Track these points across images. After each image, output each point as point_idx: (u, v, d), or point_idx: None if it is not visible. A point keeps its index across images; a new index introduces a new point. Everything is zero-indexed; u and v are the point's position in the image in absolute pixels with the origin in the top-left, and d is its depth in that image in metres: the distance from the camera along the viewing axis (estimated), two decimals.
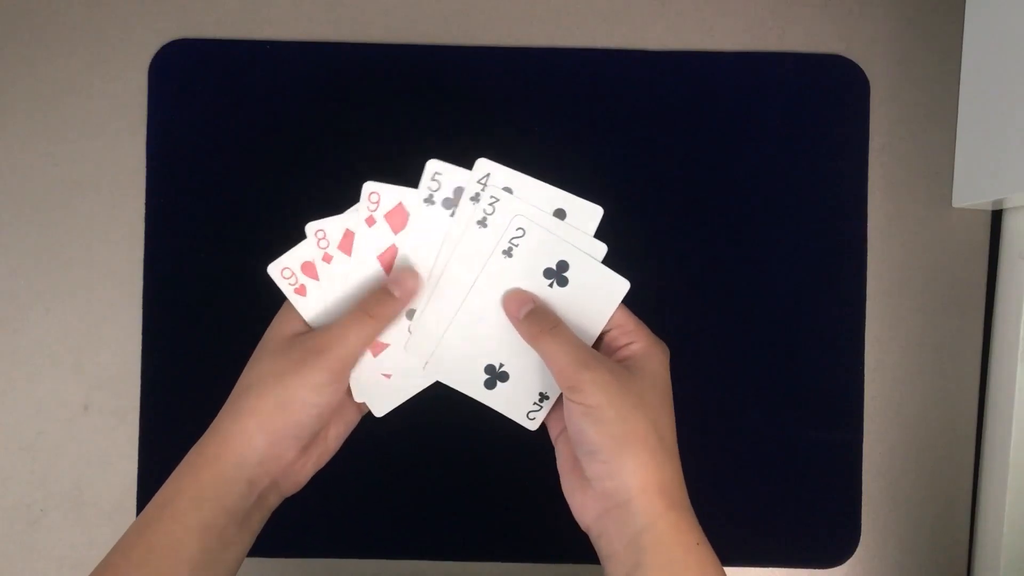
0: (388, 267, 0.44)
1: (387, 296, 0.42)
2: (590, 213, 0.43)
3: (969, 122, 0.54)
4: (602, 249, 0.43)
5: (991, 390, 0.54)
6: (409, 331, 0.44)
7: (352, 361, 0.42)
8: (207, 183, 0.54)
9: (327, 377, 0.41)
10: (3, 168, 0.54)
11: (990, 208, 0.55)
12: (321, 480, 0.52)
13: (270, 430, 0.40)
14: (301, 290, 0.44)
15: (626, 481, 0.38)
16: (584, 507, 0.41)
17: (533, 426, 0.44)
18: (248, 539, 0.42)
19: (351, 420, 0.46)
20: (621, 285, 0.43)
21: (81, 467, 0.54)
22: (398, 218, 0.43)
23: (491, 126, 0.54)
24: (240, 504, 0.40)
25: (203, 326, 0.54)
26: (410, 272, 0.43)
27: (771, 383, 0.54)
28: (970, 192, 0.53)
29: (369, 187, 0.43)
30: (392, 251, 0.44)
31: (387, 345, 0.44)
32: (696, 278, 0.54)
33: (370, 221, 0.43)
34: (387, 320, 0.42)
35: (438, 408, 0.53)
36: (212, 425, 0.42)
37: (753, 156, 0.54)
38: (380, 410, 0.45)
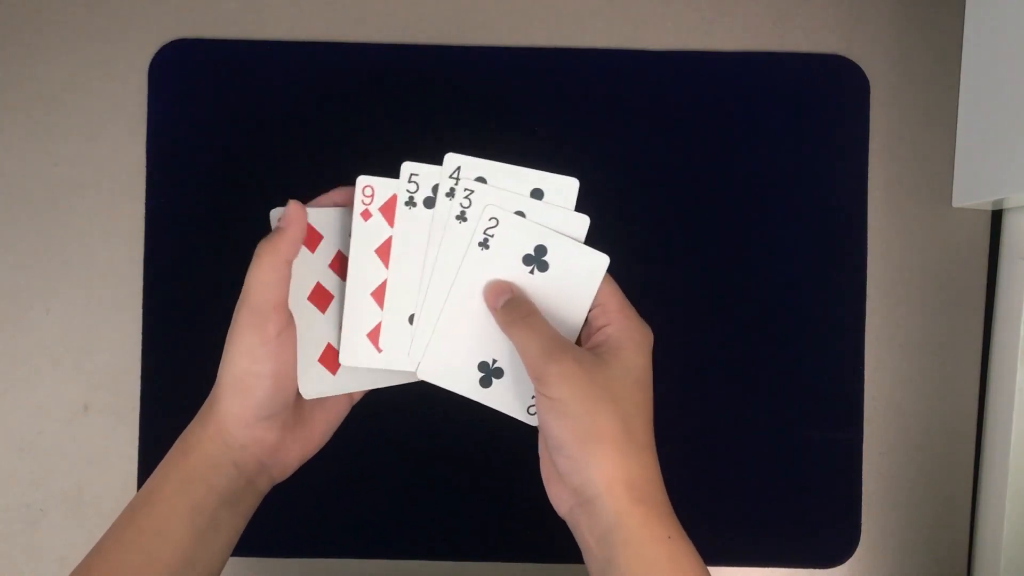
0: (386, 261, 0.44)
1: (274, 231, 0.41)
2: (567, 187, 0.43)
3: (969, 122, 0.54)
4: (584, 221, 0.43)
5: (991, 390, 0.54)
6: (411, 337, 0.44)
7: (268, 310, 0.40)
8: (207, 183, 0.54)
9: (254, 337, 0.40)
10: (3, 168, 0.54)
11: (990, 208, 0.55)
12: (322, 480, 0.52)
13: (237, 414, 0.40)
14: None
15: (592, 477, 0.38)
16: (559, 499, 0.41)
17: (535, 421, 0.43)
18: (240, 523, 0.42)
19: (339, 409, 0.45)
20: (601, 261, 0.42)
21: (81, 467, 0.54)
22: (393, 211, 0.43)
23: (491, 126, 0.54)
24: (229, 487, 0.40)
25: (203, 326, 0.53)
26: (295, 204, 0.41)
27: (771, 383, 0.54)
28: (970, 192, 0.53)
29: (363, 181, 0.43)
30: (389, 244, 0.43)
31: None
32: (695, 279, 0.54)
33: (365, 215, 0.43)
34: (280, 256, 0.40)
35: (437, 408, 0.53)
36: (197, 414, 0.42)
37: (753, 156, 0.54)
38: (307, 391, 0.43)
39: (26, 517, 0.54)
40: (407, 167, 0.43)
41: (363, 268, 0.44)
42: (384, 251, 0.44)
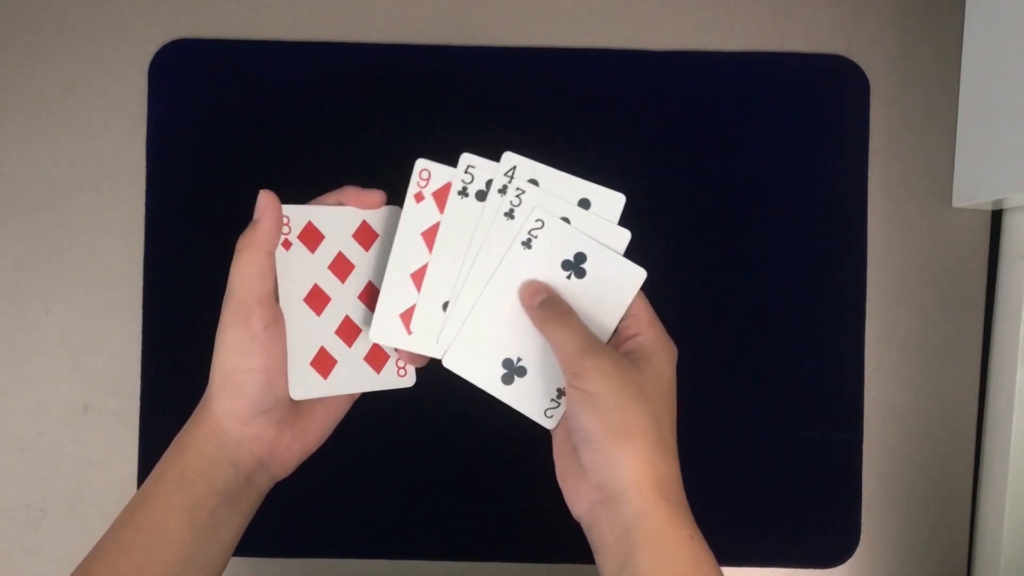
0: (430, 245, 0.44)
1: (250, 224, 0.41)
2: (613, 201, 0.44)
3: (969, 122, 0.54)
4: (626, 236, 0.44)
5: (991, 390, 0.54)
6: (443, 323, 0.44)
7: (252, 303, 0.39)
8: (207, 183, 0.54)
9: (241, 332, 0.40)
10: (3, 168, 0.54)
11: (990, 208, 0.55)
12: (322, 480, 0.52)
13: (230, 411, 0.40)
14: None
15: (620, 473, 0.38)
16: (577, 496, 0.41)
17: (551, 424, 0.43)
18: (241, 522, 0.42)
19: (340, 404, 0.45)
20: (638, 274, 0.43)
21: (81, 467, 0.54)
22: (446, 198, 0.44)
23: (490, 127, 0.54)
24: (228, 484, 0.40)
25: (203, 326, 0.53)
26: (265, 194, 0.41)
27: (771, 383, 0.54)
28: (970, 192, 0.53)
29: (421, 164, 0.43)
30: (435, 229, 0.44)
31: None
32: (696, 279, 0.54)
33: (418, 197, 0.44)
34: (258, 248, 0.40)
35: (438, 407, 0.53)
36: (193, 413, 0.42)
37: (753, 156, 0.54)
38: (296, 392, 0.42)
39: (26, 517, 0.54)
40: (465, 158, 0.43)
41: (407, 249, 0.44)
42: (430, 235, 0.44)
